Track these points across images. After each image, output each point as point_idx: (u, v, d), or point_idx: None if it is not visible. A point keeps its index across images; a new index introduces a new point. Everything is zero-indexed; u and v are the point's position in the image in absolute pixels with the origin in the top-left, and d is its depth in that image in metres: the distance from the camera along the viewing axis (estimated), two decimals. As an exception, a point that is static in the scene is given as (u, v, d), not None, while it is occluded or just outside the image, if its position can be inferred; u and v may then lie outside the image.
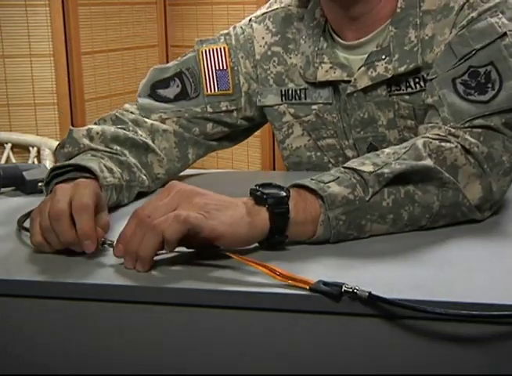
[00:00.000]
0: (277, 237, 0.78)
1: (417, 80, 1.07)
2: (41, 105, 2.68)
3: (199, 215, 0.74)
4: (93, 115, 2.81)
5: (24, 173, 1.12)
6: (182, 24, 3.11)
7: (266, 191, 0.79)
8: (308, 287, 0.67)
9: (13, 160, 2.36)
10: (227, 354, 0.70)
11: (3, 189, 1.13)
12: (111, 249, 0.78)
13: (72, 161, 0.97)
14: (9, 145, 2.40)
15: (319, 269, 0.72)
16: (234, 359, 0.70)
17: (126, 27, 2.97)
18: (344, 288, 0.66)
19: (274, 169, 2.91)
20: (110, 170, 0.99)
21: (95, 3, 2.82)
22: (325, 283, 0.67)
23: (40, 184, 1.09)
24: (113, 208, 1.00)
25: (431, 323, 0.64)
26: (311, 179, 0.82)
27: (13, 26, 2.62)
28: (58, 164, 0.98)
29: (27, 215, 0.96)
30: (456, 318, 0.63)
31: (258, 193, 0.79)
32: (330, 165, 1.18)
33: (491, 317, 0.63)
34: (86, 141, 1.04)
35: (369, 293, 0.65)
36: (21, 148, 2.41)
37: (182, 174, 1.20)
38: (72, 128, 1.07)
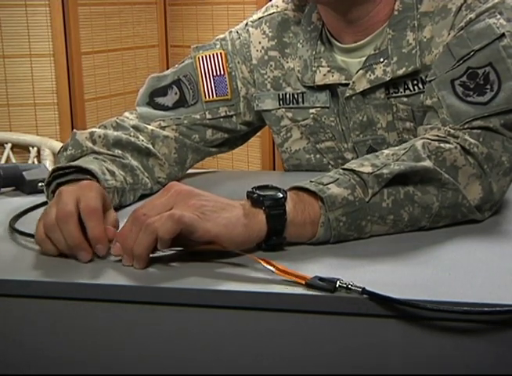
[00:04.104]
0: (275, 239, 0.78)
1: (416, 82, 1.06)
2: (41, 105, 2.68)
3: (193, 216, 0.74)
4: (93, 115, 2.81)
5: (24, 173, 1.12)
6: (182, 24, 3.11)
7: (263, 193, 0.79)
8: (304, 283, 0.68)
9: (13, 160, 2.36)
10: (227, 354, 0.70)
11: (3, 189, 1.13)
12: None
13: (74, 163, 0.97)
14: (9, 145, 2.40)
15: (317, 268, 0.72)
16: (234, 359, 0.70)
17: (126, 27, 2.97)
18: (338, 283, 0.67)
19: (274, 169, 2.91)
20: (112, 173, 0.99)
21: (95, 3, 2.82)
22: (321, 279, 0.68)
23: (40, 184, 1.09)
24: (116, 209, 0.99)
25: (429, 323, 0.64)
26: (311, 181, 0.82)
27: (13, 26, 2.62)
28: (60, 165, 0.98)
29: (19, 215, 0.96)
30: (448, 315, 0.63)
31: (255, 195, 0.79)
32: (330, 167, 1.18)
33: (482, 313, 0.63)
34: (89, 144, 1.04)
35: (363, 288, 0.65)
36: (21, 148, 2.41)
37: (181, 174, 1.21)
38: (75, 131, 1.08)
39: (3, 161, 2.35)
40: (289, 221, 0.78)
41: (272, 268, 0.71)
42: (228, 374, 0.70)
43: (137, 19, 3.02)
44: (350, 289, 0.66)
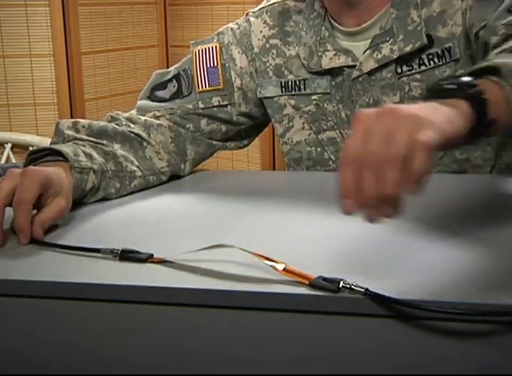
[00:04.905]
0: (484, 121, 0.72)
1: (431, 56, 1.08)
2: (41, 105, 2.68)
3: (427, 131, 0.63)
4: (93, 115, 2.81)
5: None
6: (182, 24, 3.11)
7: (452, 82, 0.75)
8: (307, 283, 0.68)
9: (13, 160, 2.36)
10: (227, 354, 0.70)
11: None
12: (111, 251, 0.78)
13: (47, 146, 1.00)
14: (9, 145, 2.40)
15: (320, 268, 0.72)
16: (235, 359, 0.70)
17: (126, 27, 2.97)
18: (341, 284, 0.66)
19: (274, 169, 2.90)
20: (89, 156, 1.01)
21: (95, 3, 2.82)
22: (324, 279, 0.67)
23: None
24: (109, 199, 1.03)
25: (432, 323, 0.64)
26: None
27: (13, 26, 2.61)
28: (35, 148, 1.02)
29: None
30: (450, 316, 0.62)
31: (448, 85, 0.74)
32: (331, 162, 1.18)
33: (484, 314, 0.62)
34: (70, 132, 1.06)
35: (366, 289, 0.65)
36: (21, 148, 2.41)
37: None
38: (59, 120, 1.10)
39: (3, 161, 2.35)
40: (489, 101, 0.73)
41: (281, 265, 0.70)
42: (229, 375, 0.70)
43: (137, 19, 3.01)
44: (353, 289, 0.65)
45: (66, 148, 0.99)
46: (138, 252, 0.77)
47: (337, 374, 0.67)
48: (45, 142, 2.27)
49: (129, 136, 1.10)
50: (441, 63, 1.08)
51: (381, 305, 0.65)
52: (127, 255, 0.77)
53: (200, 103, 1.19)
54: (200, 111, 1.20)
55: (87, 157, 1.00)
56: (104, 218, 0.96)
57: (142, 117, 1.16)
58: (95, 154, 1.02)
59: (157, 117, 1.17)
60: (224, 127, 1.22)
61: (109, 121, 1.13)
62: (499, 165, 1.15)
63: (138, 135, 1.12)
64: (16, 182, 0.84)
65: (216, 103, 1.20)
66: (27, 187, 0.84)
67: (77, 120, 1.09)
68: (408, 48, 1.08)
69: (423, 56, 1.08)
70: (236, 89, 1.20)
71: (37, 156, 1.00)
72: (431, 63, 1.08)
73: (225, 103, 1.20)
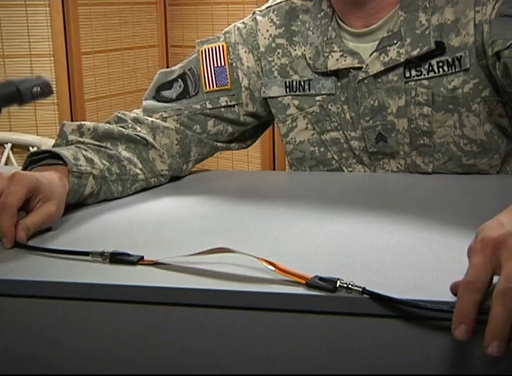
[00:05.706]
0: None
1: (441, 64, 1.07)
2: (41, 105, 2.68)
3: None
4: (93, 115, 2.81)
5: (19, 85, 1.07)
6: (182, 24, 3.11)
7: None
8: (304, 282, 0.68)
9: (13, 161, 2.36)
10: (227, 354, 0.70)
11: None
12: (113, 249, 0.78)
13: (47, 148, 1.00)
14: (9, 145, 2.40)
15: (317, 268, 0.72)
16: (234, 359, 0.70)
17: (126, 27, 2.97)
18: (338, 283, 0.66)
19: (274, 169, 2.91)
20: (90, 160, 1.00)
21: (95, 3, 2.82)
22: (321, 279, 0.68)
23: (35, 89, 1.05)
24: (109, 200, 1.03)
25: (429, 323, 0.64)
26: None
27: (13, 26, 2.62)
28: (35, 150, 1.01)
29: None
30: (448, 315, 0.62)
31: None
32: (334, 162, 1.18)
33: (482, 313, 0.62)
34: (74, 137, 1.06)
35: (364, 288, 0.65)
36: (21, 148, 2.41)
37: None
38: (65, 122, 1.10)
39: (3, 161, 2.35)
40: None
41: (272, 267, 0.71)
42: (228, 375, 0.70)
43: (137, 19, 3.02)
44: (350, 289, 0.66)
45: (67, 151, 0.98)
46: (128, 254, 0.77)
47: (334, 373, 0.68)
48: (45, 142, 2.27)
49: (134, 139, 1.10)
50: (450, 72, 1.07)
51: (378, 304, 0.65)
52: (117, 258, 0.76)
53: (207, 103, 1.19)
54: (208, 111, 1.19)
55: (87, 161, 0.99)
56: (102, 221, 0.95)
57: (149, 118, 1.16)
58: (96, 159, 1.02)
59: (164, 119, 1.17)
60: (230, 127, 1.22)
61: (116, 122, 1.12)
62: (505, 172, 1.15)
63: (144, 139, 1.11)
64: (3, 186, 0.84)
65: (224, 103, 1.20)
66: (13, 192, 0.83)
67: (82, 123, 1.09)
68: (415, 52, 1.07)
69: (433, 63, 1.08)
70: (243, 89, 1.20)
71: (37, 158, 1.00)
72: (440, 70, 1.07)
73: (233, 103, 1.20)
